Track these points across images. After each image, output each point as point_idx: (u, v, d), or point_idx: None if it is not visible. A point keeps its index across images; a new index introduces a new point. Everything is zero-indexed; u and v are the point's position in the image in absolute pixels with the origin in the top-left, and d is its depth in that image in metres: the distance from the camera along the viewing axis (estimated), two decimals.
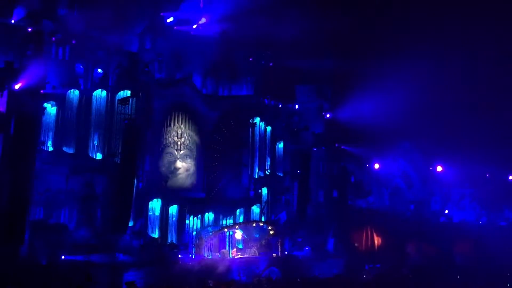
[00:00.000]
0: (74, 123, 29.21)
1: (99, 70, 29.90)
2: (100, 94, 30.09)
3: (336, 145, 39.99)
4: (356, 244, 37.52)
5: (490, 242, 36.96)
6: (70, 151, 28.90)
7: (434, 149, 41.76)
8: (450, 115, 40.64)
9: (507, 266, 32.84)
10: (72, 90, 29.01)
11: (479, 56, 39.59)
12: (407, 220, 39.59)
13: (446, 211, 42.13)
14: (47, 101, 27.65)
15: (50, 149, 28.24)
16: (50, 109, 28.41)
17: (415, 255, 36.60)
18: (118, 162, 29.05)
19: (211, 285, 25.92)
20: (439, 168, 43.54)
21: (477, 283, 28.50)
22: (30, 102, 25.05)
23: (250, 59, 36.85)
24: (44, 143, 27.75)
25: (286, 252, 33.05)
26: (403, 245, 37.19)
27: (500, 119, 41.17)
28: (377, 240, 38.30)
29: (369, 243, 38.06)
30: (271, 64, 37.79)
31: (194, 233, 32.34)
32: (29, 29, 26.91)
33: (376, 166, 42.00)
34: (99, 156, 29.75)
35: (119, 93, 30.28)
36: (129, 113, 29.63)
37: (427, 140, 41.55)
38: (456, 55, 39.81)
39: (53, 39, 28.27)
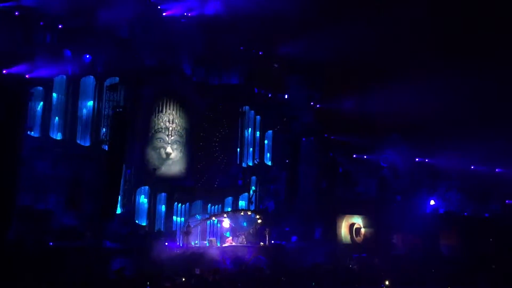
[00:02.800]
0: (62, 109, 28.95)
1: (88, 56, 29.58)
2: (88, 80, 29.81)
3: (325, 135, 40.10)
4: (342, 233, 37.90)
5: (474, 233, 37.48)
6: (58, 137, 28.68)
7: (421, 140, 42.06)
8: (439, 107, 40.87)
9: (490, 256, 33.38)
10: (59, 75, 28.69)
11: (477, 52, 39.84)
12: (394, 211, 39.95)
13: (432, 202, 42.56)
14: (34, 86, 27.33)
15: (37, 135, 27.99)
16: (37, 94, 28.10)
17: (401, 246, 37.02)
18: (106, 149, 28.92)
19: (197, 273, 26.04)
20: (426, 160, 43.94)
21: (462, 274, 28.95)
22: (17, 87, 24.77)
23: (241, 48, 36.68)
24: (31, 128, 27.49)
25: (273, 241, 33.23)
26: (389, 235, 37.58)
27: (488, 112, 41.52)
28: (363, 230, 38.64)
29: (356, 233, 38.43)
30: (261, 53, 37.65)
31: (182, 220, 32.38)
32: (16, 13, 26.50)
33: (365, 156, 42.27)
34: (87, 143, 29.55)
35: (107, 79, 30.04)
36: (118, 100, 29.46)
37: (415, 131, 41.82)
38: (454, 51, 40.01)
39: (41, 23, 27.89)
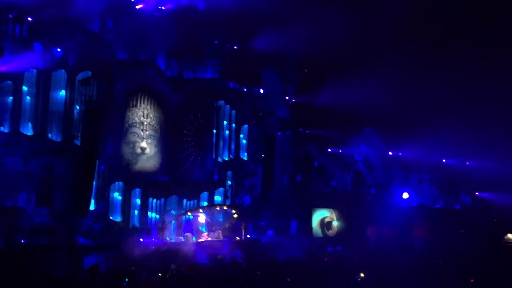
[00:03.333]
0: (33, 104, 28.29)
1: (58, 50, 28.92)
2: (59, 74, 29.18)
3: (301, 129, 40.32)
4: (313, 227, 38.23)
5: (446, 225, 38.27)
6: (29, 132, 28.04)
7: (394, 134, 42.70)
8: (411, 102, 41.52)
9: (461, 247, 34.12)
10: (30, 69, 28.00)
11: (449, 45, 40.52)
12: (368, 204, 40.47)
13: (406, 195, 43.25)
14: (3, 80, 26.62)
15: (7, 130, 27.29)
16: (7, 88, 27.37)
17: (375, 238, 37.54)
18: (79, 144, 28.41)
19: (173, 268, 25.87)
20: (399, 153, 44.67)
21: (434, 266, 29.49)
22: None
23: (215, 42, 36.47)
24: (0, 124, 26.79)
25: (249, 236, 33.29)
26: (364, 228, 38.05)
27: (458, 106, 42.33)
28: (335, 224, 39.04)
29: (327, 226, 38.85)
30: (236, 47, 37.52)
31: (157, 216, 32.11)
32: None
33: (339, 150, 42.70)
34: (59, 138, 28.97)
35: (79, 73, 29.47)
36: (91, 94, 28.92)
37: (388, 125, 42.44)
38: (426, 46, 40.62)
39: (10, 16, 27.14)
